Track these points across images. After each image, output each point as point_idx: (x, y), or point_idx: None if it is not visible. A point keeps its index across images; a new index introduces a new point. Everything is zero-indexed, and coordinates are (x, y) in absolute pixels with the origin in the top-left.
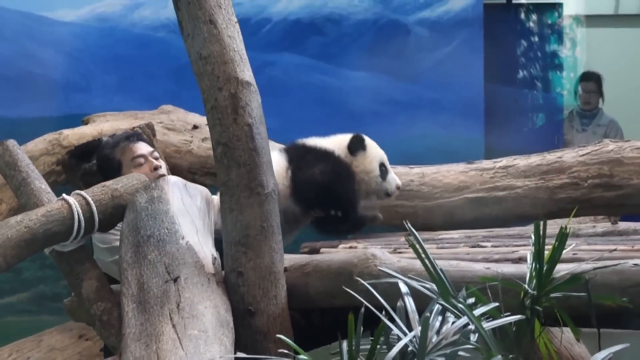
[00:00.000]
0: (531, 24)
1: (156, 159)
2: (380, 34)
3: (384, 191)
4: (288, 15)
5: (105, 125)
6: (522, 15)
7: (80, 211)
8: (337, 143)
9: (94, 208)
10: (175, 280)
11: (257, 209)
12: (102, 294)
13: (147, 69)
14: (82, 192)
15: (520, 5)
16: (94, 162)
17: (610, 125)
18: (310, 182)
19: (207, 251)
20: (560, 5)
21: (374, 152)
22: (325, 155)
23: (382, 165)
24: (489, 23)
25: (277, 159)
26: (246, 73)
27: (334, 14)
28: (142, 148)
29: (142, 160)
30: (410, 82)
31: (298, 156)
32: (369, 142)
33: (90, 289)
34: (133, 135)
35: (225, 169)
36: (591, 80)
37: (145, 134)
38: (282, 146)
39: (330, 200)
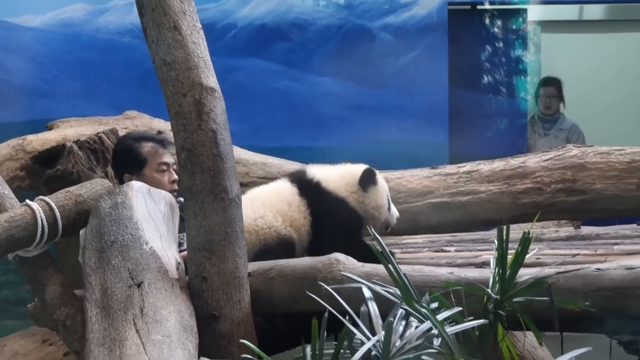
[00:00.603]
0: (495, 30)
1: (176, 171)
2: (345, 39)
3: (388, 224)
4: (253, 20)
5: (69, 130)
6: (487, 21)
7: (43, 217)
8: (346, 181)
9: (58, 214)
10: (139, 285)
11: (221, 215)
12: (65, 299)
13: (111, 75)
14: (46, 198)
15: (485, 10)
16: (57, 168)
17: (572, 129)
18: (330, 242)
19: (170, 256)
20: (524, 10)
21: (383, 185)
22: (341, 206)
23: (387, 198)
24: (454, 28)
25: (295, 202)
26: (210, 79)
27: (299, 19)
28: (169, 157)
29: (165, 167)
30: (375, 87)
31: (316, 202)
32: (378, 176)
33: (54, 294)
34: (164, 141)
35: (190, 175)
36: (552, 85)
37: (110, 139)
38: (291, 173)
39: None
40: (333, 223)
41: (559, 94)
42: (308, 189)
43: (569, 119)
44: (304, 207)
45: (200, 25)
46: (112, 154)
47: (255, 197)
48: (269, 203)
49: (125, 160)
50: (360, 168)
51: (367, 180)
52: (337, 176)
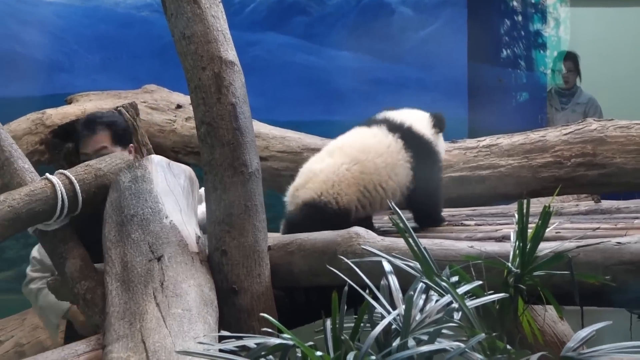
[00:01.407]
0: (514, 3)
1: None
2: (364, 13)
3: None
4: None
5: (88, 104)
6: None
7: (63, 190)
8: (429, 124)
9: (78, 187)
10: (159, 259)
11: (240, 188)
12: (85, 273)
13: (130, 49)
14: (66, 172)
15: None
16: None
17: (590, 103)
18: (428, 188)
19: (190, 230)
20: None
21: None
22: (432, 149)
23: None
24: (473, 2)
25: (400, 156)
26: (230, 53)
27: None
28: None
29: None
30: (394, 61)
31: (419, 155)
32: None
33: (74, 268)
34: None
35: (209, 148)
36: (568, 60)
37: (129, 113)
38: (374, 120)
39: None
40: (430, 168)
41: (576, 68)
42: (409, 136)
43: (586, 92)
44: (407, 154)
45: None
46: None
47: (354, 152)
48: (371, 168)
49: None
50: (425, 113)
51: (441, 124)
52: (419, 120)
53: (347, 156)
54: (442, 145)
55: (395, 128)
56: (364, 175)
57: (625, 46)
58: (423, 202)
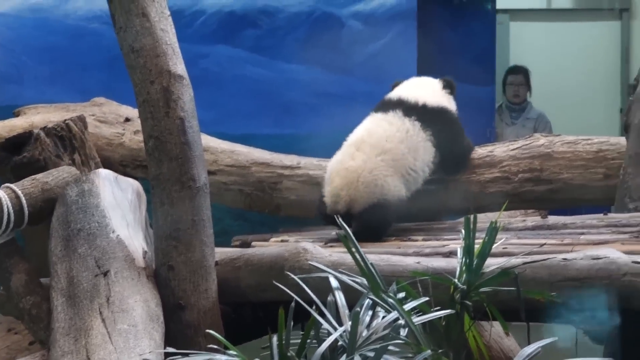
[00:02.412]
0: (464, 17)
1: None
2: (314, 26)
3: None
4: (222, 7)
5: (36, 117)
6: (456, 8)
7: (10, 204)
8: (440, 91)
9: (24, 201)
10: (105, 274)
11: (188, 203)
12: (31, 288)
13: (80, 61)
14: (12, 186)
15: None
16: (24, 155)
17: (539, 118)
18: (458, 159)
19: (137, 245)
20: None
21: None
22: (454, 120)
23: None
24: (423, 16)
25: (420, 137)
26: (178, 66)
27: (268, 7)
28: None
29: None
30: (344, 74)
31: (438, 129)
32: None
33: (19, 283)
34: None
35: (157, 163)
36: (519, 73)
37: (77, 126)
38: (389, 104)
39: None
40: (451, 134)
41: (527, 83)
42: (419, 115)
43: (536, 108)
44: (426, 133)
45: (168, 12)
46: None
47: (381, 142)
48: (399, 156)
49: None
50: (434, 80)
51: (452, 87)
52: (432, 92)
53: (375, 148)
54: (454, 106)
55: (410, 110)
56: (395, 162)
57: (564, 61)
58: (449, 166)
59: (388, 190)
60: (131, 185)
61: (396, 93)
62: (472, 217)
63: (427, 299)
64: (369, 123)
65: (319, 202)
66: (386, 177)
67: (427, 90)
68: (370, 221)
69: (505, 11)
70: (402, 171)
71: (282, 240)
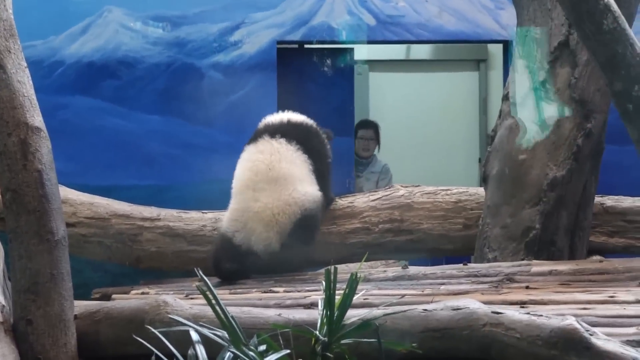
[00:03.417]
0: (323, 69)
1: None
2: (174, 77)
3: None
4: (81, 57)
5: None
6: (315, 59)
7: None
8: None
9: None
10: None
11: (46, 256)
12: None
13: None
14: None
15: (313, 49)
16: None
17: (383, 170)
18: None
19: None
20: (351, 50)
21: None
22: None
23: None
24: (283, 67)
25: (292, 151)
26: (36, 118)
27: (127, 57)
28: None
29: None
30: (205, 125)
31: (306, 141)
32: None
33: None
34: None
35: (15, 216)
36: (370, 128)
37: None
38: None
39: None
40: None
41: (377, 137)
42: (286, 130)
43: (381, 161)
44: (303, 153)
45: (25, 64)
46: None
47: (270, 174)
48: (287, 172)
49: None
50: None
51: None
52: (293, 114)
53: (266, 182)
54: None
55: (275, 131)
56: (288, 179)
57: (424, 111)
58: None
59: (302, 202)
60: None
61: (263, 122)
62: (332, 268)
63: (288, 351)
64: (246, 161)
65: (219, 255)
66: (292, 194)
67: (290, 113)
68: (305, 231)
69: (364, 62)
70: (299, 179)
71: (142, 293)
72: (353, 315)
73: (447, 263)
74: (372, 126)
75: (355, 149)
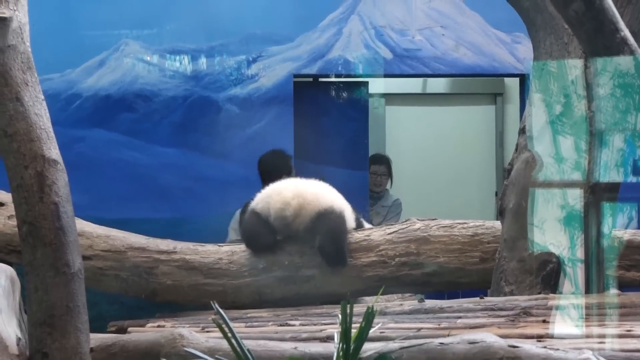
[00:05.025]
0: (339, 102)
1: None
2: (190, 110)
3: None
4: (98, 90)
5: None
6: (331, 93)
7: None
8: None
9: None
10: None
11: (62, 289)
12: None
13: None
14: None
15: (329, 83)
16: None
17: (394, 205)
18: None
19: (11, 331)
20: (366, 83)
21: None
22: None
23: None
24: (299, 100)
25: None
26: (53, 151)
27: (144, 90)
28: None
29: None
30: (221, 158)
31: None
32: None
33: None
34: None
35: (31, 248)
36: (382, 164)
37: None
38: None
39: None
40: None
41: (389, 172)
42: None
43: (392, 195)
44: None
45: (42, 97)
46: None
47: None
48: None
49: None
50: None
51: None
52: None
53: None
54: None
55: None
56: None
57: (440, 144)
58: None
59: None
60: (4, 271)
61: None
62: (348, 301)
63: None
64: None
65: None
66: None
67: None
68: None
69: (381, 95)
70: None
71: (158, 326)
72: (369, 348)
73: (463, 297)
74: (385, 161)
75: (368, 184)
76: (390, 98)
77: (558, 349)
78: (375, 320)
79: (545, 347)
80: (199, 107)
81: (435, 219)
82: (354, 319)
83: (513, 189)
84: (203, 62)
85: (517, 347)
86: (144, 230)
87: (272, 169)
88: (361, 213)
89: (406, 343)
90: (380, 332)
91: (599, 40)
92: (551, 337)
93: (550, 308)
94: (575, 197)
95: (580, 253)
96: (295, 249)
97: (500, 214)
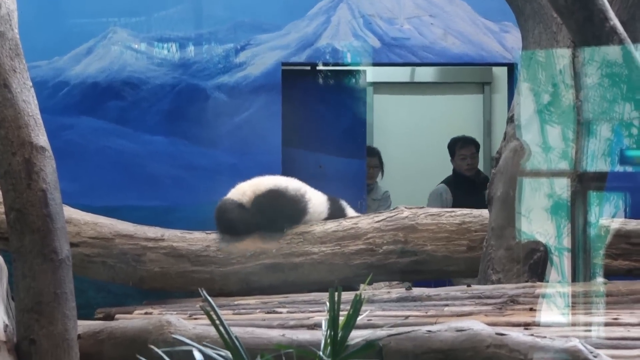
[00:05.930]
0: (328, 90)
1: None
2: (179, 98)
3: None
4: (86, 78)
5: None
6: (320, 81)
7: None
8: None
9: None
10: None
11: (50, 276)
12: None
13: None
14: None
15: (319, 71)
16: None
17: (383, 198)
18: None
19: None
20: (357, 72)
21: None
22: None
23: None
24: (288, 88)
25: None
26: (41, 138)
27: (132, 78)
28: None
29: None
30: (208, 146)
31: None
32: None
33: None
34: None
35: (19, 235)
36: (374, 156)
37: None
38: None
39: None
40: None
41: (380, 164)
42: None
43: (381, 187)
44: None
45: (30, 83)
46: None
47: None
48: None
49: None
50: None
51: None
52: None
53: None
54: None
55: None
56: None
57: (428, 133)
58: None
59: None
60: None
61: None
62: (336, 289)
63: None
64: None
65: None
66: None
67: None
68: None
69: (369, 84)
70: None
71: (146, 313)
72: (357, 336)
73: (450, 285)
74: (376, 154)
75: None
76: (378, 87)
77: (545, 337)
78: (363, 308)
79: (532, 334)
80: (187, 95)
81: (423, 207)
82: (341, 306)
83: (501, 178)
84: (191, 50)
85: (504, 334)
86: (132, 218)
87: None
88: (359, 201)
89: (393, 330)
90: (368, 320)
91: (588, 29)
92: (538, 325)
93: (537, 296)
94: (563, 186)
95: (567, 242)
96: (282, 236)
97: (488, 203)
